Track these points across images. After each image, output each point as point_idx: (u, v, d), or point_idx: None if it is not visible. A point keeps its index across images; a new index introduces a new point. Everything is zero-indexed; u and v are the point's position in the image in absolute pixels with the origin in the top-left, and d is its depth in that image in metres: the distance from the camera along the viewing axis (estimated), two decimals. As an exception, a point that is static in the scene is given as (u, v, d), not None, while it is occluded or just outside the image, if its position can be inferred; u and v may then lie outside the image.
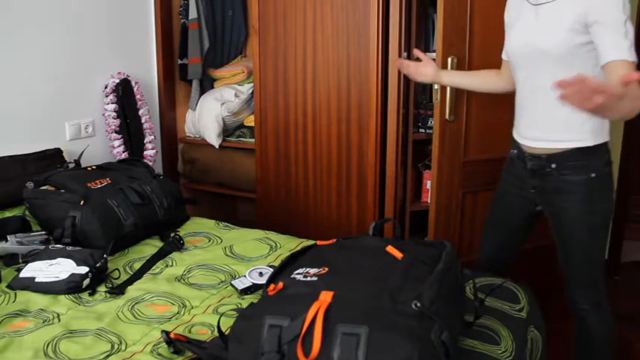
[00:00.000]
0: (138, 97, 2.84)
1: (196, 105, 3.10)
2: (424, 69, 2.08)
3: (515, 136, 1.86)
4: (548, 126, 1.71)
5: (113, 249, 1.96)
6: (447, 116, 2.38)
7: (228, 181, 3.12)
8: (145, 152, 2.89)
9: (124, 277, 1.81)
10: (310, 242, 1.91)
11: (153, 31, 3.02)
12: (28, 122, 2.50)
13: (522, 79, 1.78)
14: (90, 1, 2.69)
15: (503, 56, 1.99)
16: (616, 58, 1.51)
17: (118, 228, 2.03)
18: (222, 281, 1.80)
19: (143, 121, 2.87)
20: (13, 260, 1.88)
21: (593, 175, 1.66)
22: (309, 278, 1.26)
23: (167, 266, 1.92)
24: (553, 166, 1.70)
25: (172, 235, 2.11)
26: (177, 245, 2.05)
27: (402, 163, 2.59)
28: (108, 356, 1.37)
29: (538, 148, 1.74)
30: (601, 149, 1.68)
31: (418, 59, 2.11)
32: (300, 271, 1.31)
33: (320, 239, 1.55)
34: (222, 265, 1.91)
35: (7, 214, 2.14)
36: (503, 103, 2.65)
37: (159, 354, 1.37)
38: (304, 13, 2.62)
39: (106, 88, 2.75)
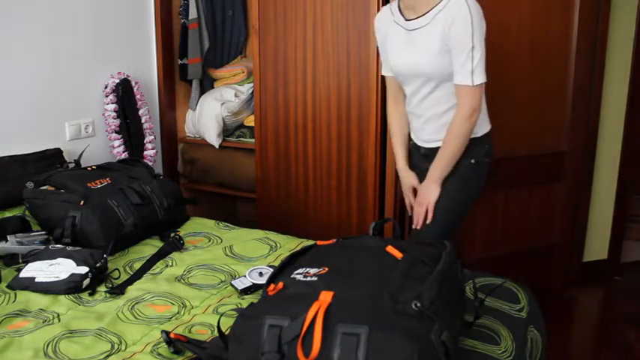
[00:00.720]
0: (138, 97, 2.84)
1: (196, 105, 3.10)
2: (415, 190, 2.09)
3: (412, 135, 2.10)
4: (438, 129, 1.94)
5: (113, 249, 1.96)
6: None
7: (228, 181, 3.12)
8: (145, 152, 2.89)
9: (124, 277, 1.81)
10: (310, 242, 1.91)
11: (153, 31, 3.02)
12: (28, 122, 2.50)
13: (410, 92, 1.97)
14: (90, 1, 2.69)
15: (388, 73, 2.08)
16: (459, 83, 1.81)
17: (118, 228, 2.03)
18: (222, 281, 1.80)
19: (143, 121, 2.87)
20: (13, 260, 1.88)
21: (472, 160, 1.91)
22: (309, 278, 1.26)
23: (167, 266, 1.92)
24: None
25: (172, 235, 2.10)
26: (177, 245, 2.05)
27: (402, 163, 2.59)
28: (108, 356, 1.37)
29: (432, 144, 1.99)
30: (482, 140, 1.96)
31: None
32: (300, 271, 1.31)
33: (320, 239, 1.55)
34: (222, 265, 1.91)
35: (7, 214, 2.14)
36: (502, 105, 2.66)
37: (159, 354, 1.37)
38: (304, 13, 2.62)
39: (106, 88, 2.75)
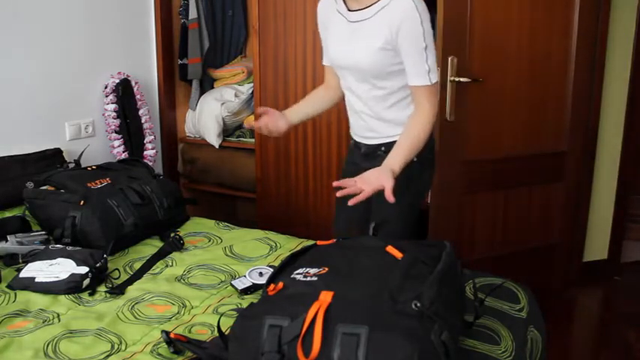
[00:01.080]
0: (138, 97, 2.84)
1: (196, 105, 3.10)
2: (277, 123, 1.96)
3: (352, 134, 1.99)
4: (379, 127, 1.85)
5: (113, 249, 1.96)
6: (447, 116, 2.38)
7: (228, 181, 3.12)
8: (145, 152, 2.89)
9: (124, 277, 1.81)
10: (310, 242, 1.91)
11: (153, 31, 3.02)
12: (28, 122, 2.50)
13: (347, 86, 1.89)
14: (90, 1, 2.69)
15: (326, 62, 2.00)
16: (416, 84, 1.72)
17: (118, 228, 2.03)
18: (222, 281, 1.80)
19: (143, 121, 2.87)
20: (13, 260, 1.88)
21: (415, 159, 1.77)
22: (309, 278, 1.26)
23: (167, 266, 1.92)
24: (383, 149, 1.84)
25: (172, 235, 2.10)
26: (177, 245, 2.05)
27: (401, 163, 2.58)
28: (108, 356, 1.37)
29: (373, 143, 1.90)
30: None
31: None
32: (300, 271, 1.31)
33: (320, 239, 1.55)
34: (222, 265, 1.91)
35: (7, 214, 2.14)
36: (502, 105, 2.66)
37: (159, 354, 1.37)
38: (304, 13, 2.62)
39: (106, 88, 2.75)
